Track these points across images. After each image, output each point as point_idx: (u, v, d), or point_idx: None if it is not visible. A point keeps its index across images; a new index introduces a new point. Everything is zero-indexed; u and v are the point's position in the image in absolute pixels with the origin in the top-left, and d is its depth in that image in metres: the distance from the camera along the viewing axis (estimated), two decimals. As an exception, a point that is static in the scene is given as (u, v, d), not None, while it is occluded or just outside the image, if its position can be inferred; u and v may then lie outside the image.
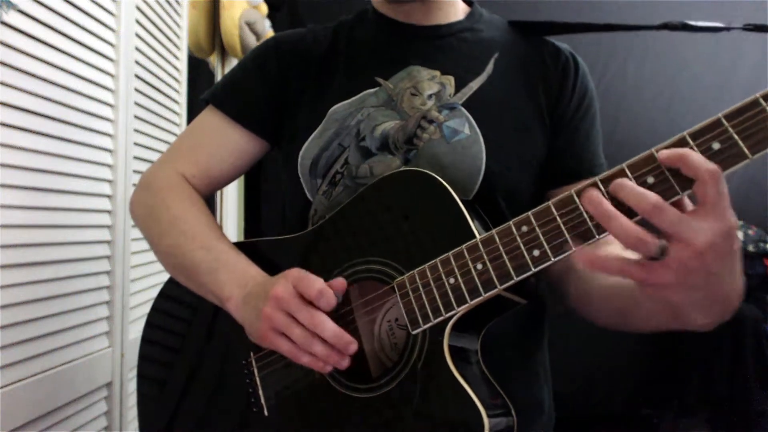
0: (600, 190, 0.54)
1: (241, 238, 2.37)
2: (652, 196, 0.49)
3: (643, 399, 2.71)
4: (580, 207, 0.55)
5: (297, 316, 0.64)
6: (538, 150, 0.79)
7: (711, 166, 0.48)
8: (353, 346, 0.63)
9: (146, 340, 0.85)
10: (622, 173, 0.53)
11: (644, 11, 2.65)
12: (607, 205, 0.51)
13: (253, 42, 2.08)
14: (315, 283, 0.64)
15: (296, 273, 0.66)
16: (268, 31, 2.19)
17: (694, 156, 0.49)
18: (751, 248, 2.66)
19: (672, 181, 0.51)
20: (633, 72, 2.72)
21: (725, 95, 2.78)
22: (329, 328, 0.63)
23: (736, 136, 0.50)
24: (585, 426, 2.63)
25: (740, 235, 2.68)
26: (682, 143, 0.52)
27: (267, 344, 0.67)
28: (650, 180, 0.52)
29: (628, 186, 0.51)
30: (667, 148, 0.52)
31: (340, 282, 0.66)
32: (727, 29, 0.75)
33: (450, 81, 0.78)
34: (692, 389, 2.50)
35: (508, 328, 0.72)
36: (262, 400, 0.74)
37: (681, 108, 2.76)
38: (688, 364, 2.53)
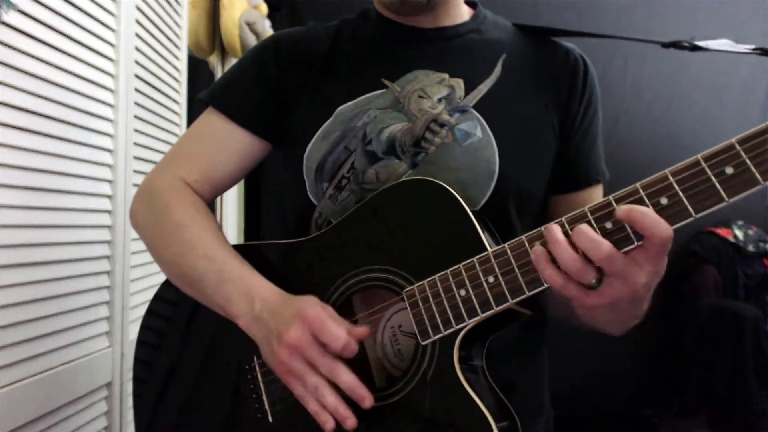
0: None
1: (241, 240, 2.37)
2: (606, 246, 0.53)
3: (643, 399, 2.72)
4: (593, 223, 0.55)
5: (315, 363, 0.63)
6: (549, 152, 0.79)
7: (663, 232, 0.51)
8: (368, 402, 0.63)
9: (142, 342, 0.84)
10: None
11: (645, 12, 2.65)
12: (558, 233, 0.55)
13: (253, 42, 2.08)
14: (338, 337, 0.61)
15: (314, 318, 0.63)
16: (268, 31, 2.19)
17: (648, 219, 0.51)
18: (751, 248, 2.66)
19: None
20: (633, 72, 2.72)
21: (725, 95, 2.78)
22: (347, 378, 0.62)
23: (749, 162, 0.50)
24: (585, 426, 2.63)
25: (740, 235, 2.68)
26: (695, 166, 0.52)
27: (284, 382, 0.67)
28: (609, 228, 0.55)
29: (586, 232, 0.54)
30: (681, 170, 0.53)
31: (362, 331, 0.65)
32: (737, 53, 0.75)
33: (459, 84, 0.77)
34: (692, 389, 2.51)
35: (512, 336, 0.72)
36: (267, 406, 0.73)
37: (681, 108, 2.77)
38: (688, 364, 2.53)
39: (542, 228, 0.59)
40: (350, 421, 0.62)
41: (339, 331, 0.62)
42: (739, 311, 2.46)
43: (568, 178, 0.80)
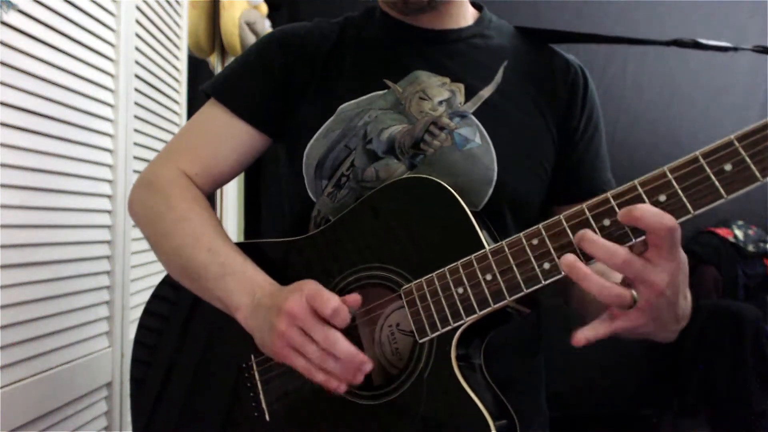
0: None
1: (241, 237, 2.37)
2: (622, 252, 0.53)
3: (643, 399, 2.72)
4: (592, 221, 0.55)
5: (311, 333, 0.62)
6: (547, 162, 0.79)
7: (667, 222, 0.51)
8: (368, 366, 0.62)
9: (139, 342, 0.84)
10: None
11: (645, 12, 2.65)
12: (582, 267, 0.54)
13: (252, 42, 2.08)
14: (329, 301, 0.61)
15: (310, 287, 0.64)
16: (267, 31, 2.19)
17: (648, 215, 0.51)
18: (751, 248, 2.66)
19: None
20: (633, 71, 2.72)
21: (725, 95, 2.78)
22: (343, 347, 0.61)
23: (748, 159, 0.50)
24: (585, 426, 2.63)
25: (740, 235, 2.68)
26: (693, 163, 0.52)
27: (281, 359, 0.66)
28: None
29: (598, 242, 0.54)
30: (679, 166, 0.53)
31: (354, 298, 0.64)
32: (738, 49, 0.76)
33: (460, 88, 0.77)
34: (692, 389, 2.50)
35: (508, 335, 0.72)
36: (264, 405, 0.73)
37: (681, 108, 2.76)
38: (688, 364, 2.53)
39: (539, 225, 0.59)
40: (360, 378, 0.62)
41: (330, 296, 0.62)
42: (739, 311, 2.46)
43: (573, 190, 0.80)
